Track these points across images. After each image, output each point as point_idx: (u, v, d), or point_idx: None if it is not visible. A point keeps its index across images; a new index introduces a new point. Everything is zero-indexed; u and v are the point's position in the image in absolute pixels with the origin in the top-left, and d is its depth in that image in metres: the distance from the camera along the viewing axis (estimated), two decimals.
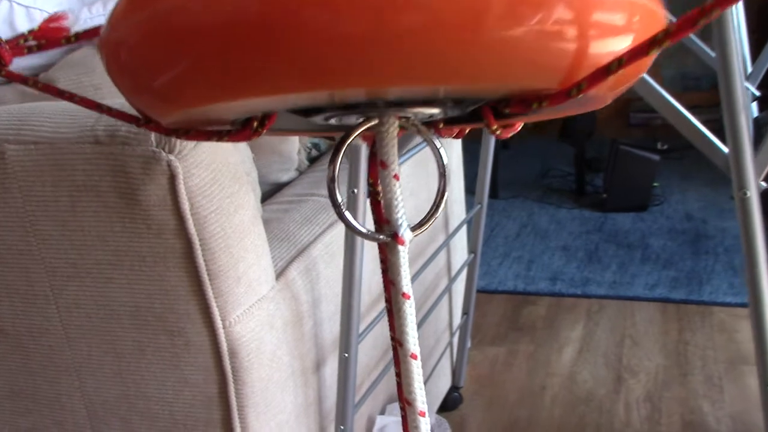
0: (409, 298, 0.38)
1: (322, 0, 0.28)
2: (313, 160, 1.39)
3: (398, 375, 0.40)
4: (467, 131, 0.45)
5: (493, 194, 3.00)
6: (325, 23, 0.28)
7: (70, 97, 0.34)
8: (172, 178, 0.71)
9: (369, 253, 1.12)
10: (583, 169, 2.97)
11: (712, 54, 1.29)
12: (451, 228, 1.52)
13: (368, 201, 0.95)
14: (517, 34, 0.29)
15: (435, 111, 0.37)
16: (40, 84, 0.34)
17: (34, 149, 0.74)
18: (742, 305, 2.04)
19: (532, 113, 0.37)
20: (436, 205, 0.39)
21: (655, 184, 2.83)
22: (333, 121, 0.38)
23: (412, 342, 0.39)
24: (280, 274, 0.90)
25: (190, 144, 0.71)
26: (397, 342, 0.38)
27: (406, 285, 0.38)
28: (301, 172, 1.32)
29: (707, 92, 3.80)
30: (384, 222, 0.38)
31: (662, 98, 0.88)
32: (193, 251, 0.74)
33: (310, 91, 0.29)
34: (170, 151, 0.70)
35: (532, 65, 0.30)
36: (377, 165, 0.37)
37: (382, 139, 0.36)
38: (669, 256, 2.36)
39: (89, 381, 0.86)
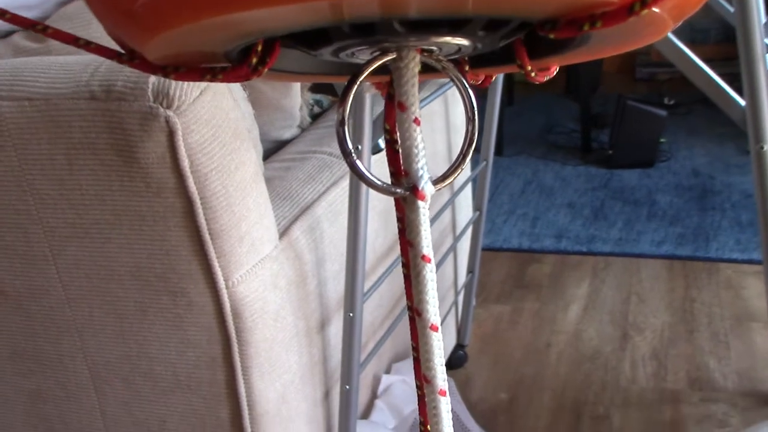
0: (429, 261, 0.34)
1: None
2: (315, 117, 1.36)
3: (415, 349, 0.37)
4: (494, 77, 0.40)
5: (498, 151, 2.97)
6: None
7: (44, 29, 0.31)
8: (171, 135, 0.68)
9: (373, 210, 1.10)
10: (588, 125, 2.93)
11: (728, 6, 1.26)
12: (456, 186, 1.50)
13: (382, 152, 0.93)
14: None
15: (462, 42, 0.32)
16: (8, 15, 0.31)
17: (28, 106, 0.72)
18: (749, 262, 2.02)
19: (577, 47, 0.32)
20: (463, 155, 0.34)
21: (662, 139, 2.80)
22: (343, 56, 0.33)
23: (433, 312, 0.35)
24: (283, 234, 0.88)
25: (188, 99, 0.69)
26: (415, 311, 0.35)
27: (426, 246, 0.34)
28: (303, 129, 1.29)
29: (716, 45, 3.74)
30: (402, 174, 0.34)
31: (677, 50, 0.85)
32: (193, 210, 0.72)
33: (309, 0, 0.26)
34: (168, 107, 0.68)
35: None
36: (394, 107, 0.32)
37: (401, 77, 0.32)
38: (675, 213, 2.34)
39: (91, 342, 0.84)
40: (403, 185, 0.34)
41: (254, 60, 0.30)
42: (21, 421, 0.94)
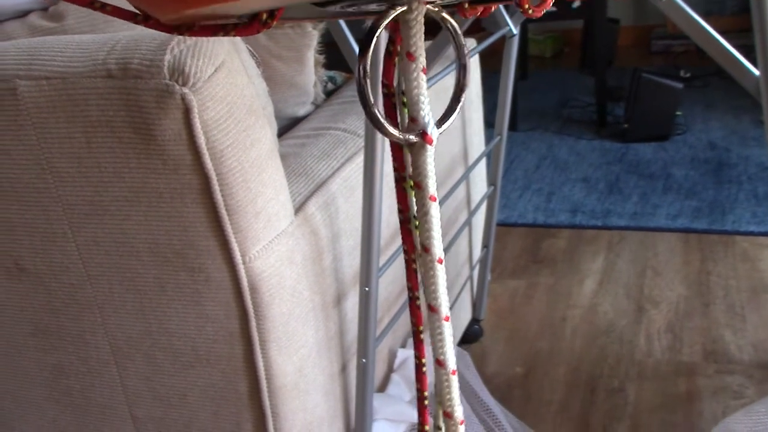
0: (435, 200, 0.36)
1: None
2: (329, 94, 1.37)
3: (411, 290, 0.38)
4: (492, 9, 0.41)
5: (512, 126, 2.96)
6: None
7: None
8: (187, 112, 0.69)
9: (387, 186, 1.10)
10: (603, 98, 2.91)
11: None
12: (471, 160, 1.50)
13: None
14: None
15: None
16: None
17: (46, 84, 0.73)
18: (765, 234, 2.01)
19: None
20: (456, 97, 0.36)
21: (678, 112, 2.78)
22: (351, 9, 0.34)
23: (438, 246, 0.37)
24: (298, 209, 0.89)
25: (203, 76, 0.69)
26: (423, 248, 0.37)
27: (433, 186, 0.36)
28: (317, 106, 1.30)
29: (732, 17, 3.70)
30: (397, 125, 0.36)
31: (691, 20, 0.85)
32: (210, 187, 0.73)
33: None
34: (184, 84, 0.68)
35: None
36: (396, 60, 0.34)
37: (410, 29, 0.33)
38: (691, 186, 2.33)
39: (112, 318, 0.86)
40: (414, 131, 0.35)
41: (264, 16, 0.32)
42: (43, 396, 0.96)
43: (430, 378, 0.49)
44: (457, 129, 1.41)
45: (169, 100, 0.69)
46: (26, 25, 0.88)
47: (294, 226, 0.85)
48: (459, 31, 0.35)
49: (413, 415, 1.13)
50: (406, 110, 0.36)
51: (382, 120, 0.35)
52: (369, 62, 0.34)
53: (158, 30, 0.32)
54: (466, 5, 0.36)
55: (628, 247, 2.04)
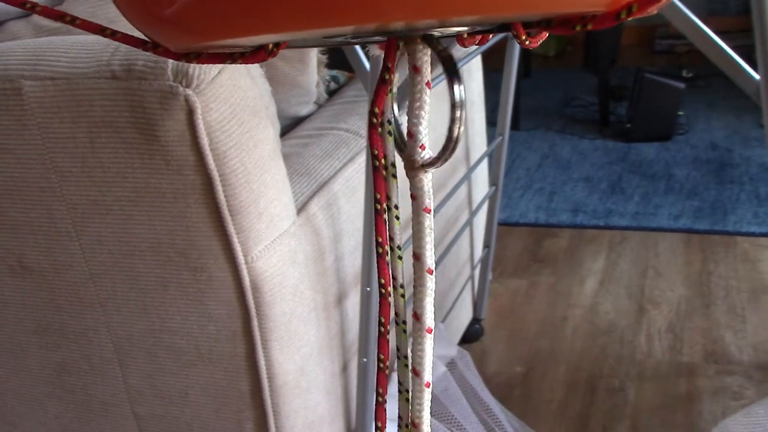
0: (429, 212, 0.37)
1: None
2: (332, 93, 1.37)
3: (383, 324, 0.38)
4: (490, 37, 0.42)
5: (514, 125, 2.96)
6: None
7: (72, 20, 0.32)
8: (191, 113, 0.70)
9: None
10: (606, 98, 2.91)
11: None
12: (473, 160, 1.50)
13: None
14: None
15: (464, 29, 0.35)
16: (38, 7, 0.32)
17: (51, 85, 0.73)
18: (767, 235, 2.02)
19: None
20: (449, 139, 0.36)
21: (680, 112, 2.78)
22: (354, 40, 0.35)
23: (430, 255, 0.37)
24: (301, 209, 0.89)
25: (207, 78, 0.70)
26: (414, 256, 0.37)
27: (428, 200, 0.36)
28: (320, 106, 1.30)
29: (734, 17, 3.70)
30: (382, 157, 0.36)
31: (690, 22, 0.85)
32: (213, 187, 0.74)
33: (355, 24, 0.27)
34: (188, 86, 0.69)
35: None
36: (386, 90, 0.34)
37: (416, 46, 0.34)
38: (693, 186, 2.34)
39: (114, 316, 0.86)
40: (412, 147, 0.36)
41: (270, 46, 0.32)
42: (46, 393, 0.97)
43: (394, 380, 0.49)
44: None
45: (173, 101, 0.69)
46: (31, 25, 0.88)
47: (296, 226, 0.86)
48: (459, 79, 0.35)
49: None
50: (391, 139, 0.36)
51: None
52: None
53: (167, 57, 0.33)
54: (465, 35, 0.37)
55: (630, 247, 2.04)
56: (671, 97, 2.67)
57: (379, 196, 0.36)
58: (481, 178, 1.61)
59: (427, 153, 0.36)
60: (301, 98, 1.23)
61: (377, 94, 0.35)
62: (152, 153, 0.73)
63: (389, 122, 0.36)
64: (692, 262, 1.93)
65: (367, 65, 0.90)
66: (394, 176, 0.36)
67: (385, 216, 0.37)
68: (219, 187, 0.74)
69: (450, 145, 0.35)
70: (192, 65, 0.69)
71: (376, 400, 0.40)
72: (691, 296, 1.78)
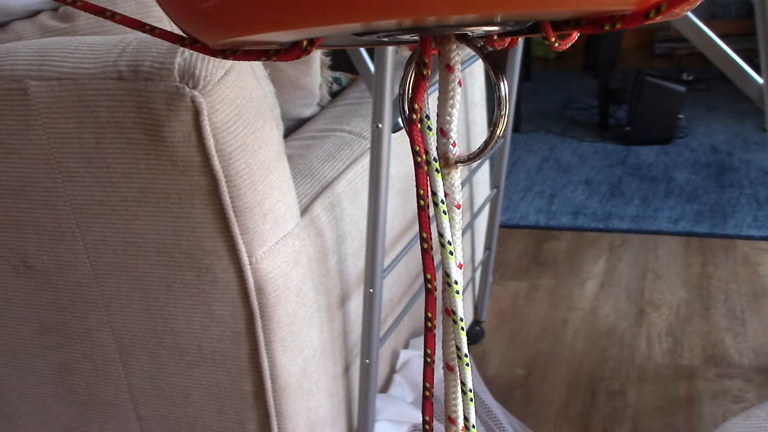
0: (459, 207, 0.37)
1: None
2: (334, 95, 1.37)
3: (430, 320, 0.38)
4: (519, 40, 0.42)
5: (515, 128, 2.96)
6: None
7: (112, 15, 0.33)
8: (197, 114, 0.70)
9: (392, 189, 1.11)
10: (606, 101, 2.92)
11: None
12: (474, 163, 1.50)
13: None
14: None
15: (494, 29, 0.35)
16: (79, 2, 0.33)
17: (57, 85, 0.73)
18: (766, 238, 2.02)
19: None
20: (491, 134, 0.37)
21: (680, 116, 2.78)
22: (386, 39, 0.36)
23: (458, 250, 0.38)
24: (304, 211, 0.90)
25: (213, 79, 0.70)
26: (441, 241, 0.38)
27: (460, 196, 0.37)
28: (323, 107, 1.30)
29: (735, 21, 3.71)
30: (423, 152, 0.36)
31: (693, 25, 0.85)
32: (218, 188, 0.74)
33: (395, 18, 0.28)
34: (194, 87, 0.69)
35: None
36: (425, 85, 0.35)
37: (448, 44, 0.34)
38: (693, 190, 2.34)
39: (118, 316, 0.87)
40: (444, 144, 0.36)
41: (305, 43, 0.33)
42: (49, 393, 0.97)
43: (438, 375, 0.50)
44: (461, 132, 1.42)
45: (179, 102, 0.69)
46: (37, 25, 0.89)
47: (300, 227, 0.86)
48: (501, 73, 0.36)
49: (415, 416, 1.14)
50: (432, 134, 0.37)
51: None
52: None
53: (205, 53, 0.33)
54: (495, 36, 0.37)
55: (630, 250, 2.04)
56: (671, 101, 2.67)
57: (422, 192, 0.37)
58: (483, 180, 1.62)
59: (457, 150, 0.36)
60: (304, 100, 1.23)
61: (416, 90, 0.35)
62: (158, 154, 0.74)
63: (428, 117, 0.36)
64: (692, 265, 1.94)
65: (371, 67, 0.91)
66: (437, 171, 0.37)
67: (429, 211, 0.37)
68: (224, 188, 0.74)
69: (491, 142, 0.35)
70: (198, 66, 0.69)
71: (423, 395, 0.41)
72: (691, 299, 1.78)
